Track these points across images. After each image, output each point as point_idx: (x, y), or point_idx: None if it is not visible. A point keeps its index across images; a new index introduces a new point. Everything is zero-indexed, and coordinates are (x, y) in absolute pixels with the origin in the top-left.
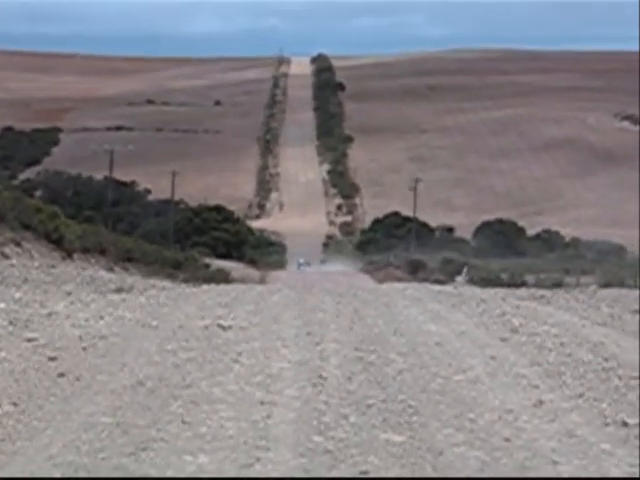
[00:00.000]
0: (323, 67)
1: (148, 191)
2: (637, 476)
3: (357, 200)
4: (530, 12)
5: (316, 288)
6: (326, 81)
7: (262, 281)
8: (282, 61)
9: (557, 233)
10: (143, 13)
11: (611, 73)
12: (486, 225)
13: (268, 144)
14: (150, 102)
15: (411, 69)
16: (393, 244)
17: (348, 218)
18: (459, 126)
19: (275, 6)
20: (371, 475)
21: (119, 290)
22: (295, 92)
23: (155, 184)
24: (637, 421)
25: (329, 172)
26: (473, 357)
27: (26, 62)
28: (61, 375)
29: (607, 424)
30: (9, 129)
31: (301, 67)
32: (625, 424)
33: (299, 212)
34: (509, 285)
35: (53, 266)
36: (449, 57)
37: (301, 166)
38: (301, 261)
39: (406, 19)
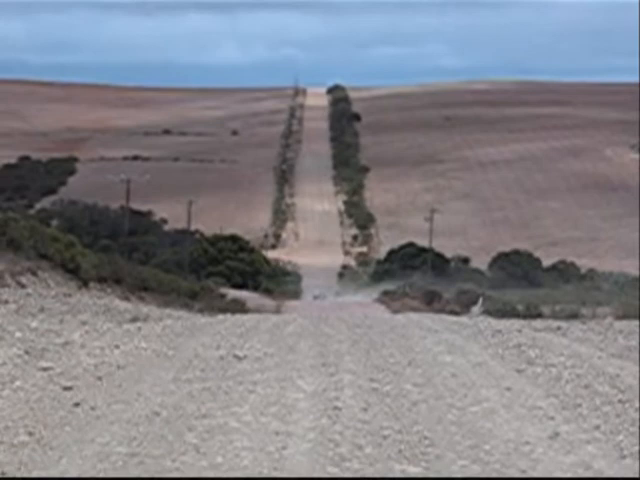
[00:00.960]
0: (339, 97)
1: (164, 221)
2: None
3: (373, 230)
4: (550, 42)
5: (331, 318)
6: (342, 111)
7: (277, 311)
8: (298, 91)
9: (573, 264)
10: (163, 43)
11: (627, 105)
12: (502, 256)
13: (284, 174)
14: (167, 132)
15: (428, 100)
16: (409, 274)
17: (364, 248)
18: (476, 157)
19: (294, 36)
20: None
21: (135, 320)
22: (311, 122)
23: (171, 214)
24: None
25: (345, 202)
26: (489, 388)
27: (44, 92)
28: (76, 405)
29: (624, 457)
30: (26, 158)
31: (318, 97)
32: None
33: (315, 242)
34: (525, 316)
35: (69, 295)
36: (466, 88)
37: (317, 196)
38: (316, 293)
39: (425, 49)
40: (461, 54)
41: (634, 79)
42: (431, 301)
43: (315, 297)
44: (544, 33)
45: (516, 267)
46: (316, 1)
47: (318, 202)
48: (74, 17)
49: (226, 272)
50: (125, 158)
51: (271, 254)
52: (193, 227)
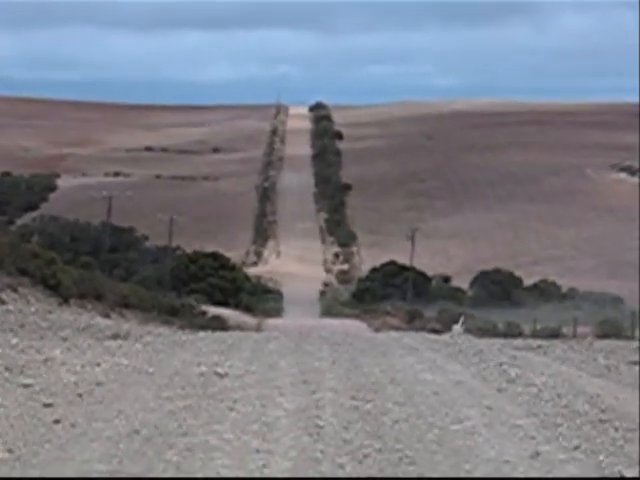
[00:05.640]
0: (321, 115)
1: (145, 237)
2: (637, 476)
3: (354, 248)
4: (540, 63)
5: (312, 336)
6: (324, 129)
7: (258, 329)
8: (280, 109)
9: (554, 283)
10: (156, 60)
11: (609, 125)
12: (483, 275)
13: (266, 192)
14: (149, 149)
15: (410, 118)
16: (390, 293)
17: (345, 266)
18: (457, 176)
19: (287, 53)
20: None
21: (115, 336)
22: (293, 140)
23: (153, 230)
24: (635, 473)
25: (326, 220)
26: (470, 407)
27: (26, 108)
28: (56, 422)
29: (604, 476)
30: (7, 174)
31: (300, 115)
32: (622, 476)
33: (296, 260)
34: (506, 335)
35: (50, 312)
36: (449, 107)
37: (298, 214)
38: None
39: (416, 68)
40: (452, 73)
41: (616, 98)
42: (412, 319)
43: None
44: (537, 53)
45: (497, 286)
46: (312, 18)
47: (299, 220)
48: (65, 33)
49: (207, 289)
50: (106, 174)
51: (252, 271)
52: (174, 244)
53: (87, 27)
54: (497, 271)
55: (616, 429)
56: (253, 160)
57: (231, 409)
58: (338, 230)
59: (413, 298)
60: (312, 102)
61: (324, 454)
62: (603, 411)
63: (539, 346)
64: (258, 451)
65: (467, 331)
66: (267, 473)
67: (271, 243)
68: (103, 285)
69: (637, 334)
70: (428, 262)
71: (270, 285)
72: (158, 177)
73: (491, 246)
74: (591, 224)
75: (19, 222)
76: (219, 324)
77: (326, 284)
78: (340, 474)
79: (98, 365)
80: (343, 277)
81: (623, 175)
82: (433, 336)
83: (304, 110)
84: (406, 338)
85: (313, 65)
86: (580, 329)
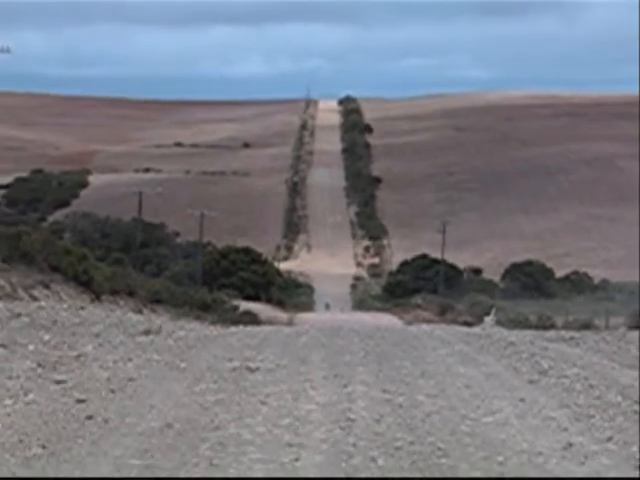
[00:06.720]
0: (351, 109)
1: (177, 233)
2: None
3: (385, 242)
4: (570, 53)
5: (344, 330)
6: (354, 123)
7: (290, 323)
8: (309, 103)
9: (586, 275)
10: (189, 56)
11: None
12: (515, 267)
13: (296, 186)
14: (179, 144)
15: (442, 111)
16: (421, 286)
17: (376, 260)
18: (488, 168)
19: (319, 47)
20: None
21: (147, 332)
22: (324, 133)
23: (183, 226)
24: None
25: (357, 214)
26: (502, 399)
27: (57, 106)
28: (89, 417)
29: (637, 467)
30: (39, 171)
31: (330, 109)
32: None
33: (327, 254)
34: (538, 327)
35: (82, 308)
36: (479, 99)
37: (329, 208)
38: (329, 302)
39: (447, 60)
40: (484, 65)
41: None
42: (444, 312)
43: (327, 306)
44: (567, 43)
45: (529, 278)
46: (344, 12)
47: (330, 214)
48: (97, 30)
49: (238, 284)
50: (137, 171)
51: (283, 266)
52: (205, 239)
53: (119, 24)
54: (529, 263)
55: None
56: (283, 155)
57: (263, 403)
58: (369, 224)
59: (444, 291)
60: (338, 96)
61: (356, 447)
62: (636, 402)
63: (571, 338)
64: (290, 445)
65: (499, 323)
66: (299, 466)
67: (302, 237)
68: (135, 281)
69: None
70: (459, 255)
71: (301, 279)
72: (188, 173)
73: (523, 238)
74: (622, 215)
75: (51, 219)
76: (250, 319)
77: (357, 278)
78: (372, 467)
79: (130, 360)
80: (374, 271)
81: None
82: (465, 329)
83: (334, 104)
84: (438, 331)
85: (345, 59)
86: (612, 320)
